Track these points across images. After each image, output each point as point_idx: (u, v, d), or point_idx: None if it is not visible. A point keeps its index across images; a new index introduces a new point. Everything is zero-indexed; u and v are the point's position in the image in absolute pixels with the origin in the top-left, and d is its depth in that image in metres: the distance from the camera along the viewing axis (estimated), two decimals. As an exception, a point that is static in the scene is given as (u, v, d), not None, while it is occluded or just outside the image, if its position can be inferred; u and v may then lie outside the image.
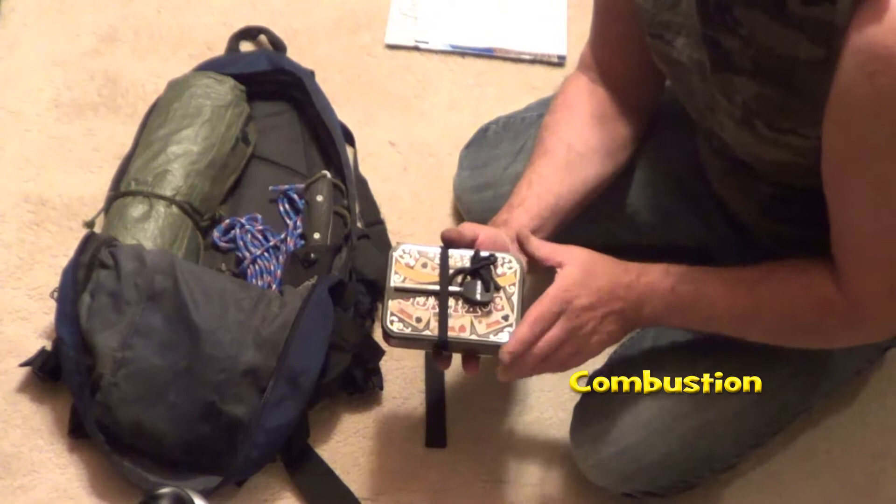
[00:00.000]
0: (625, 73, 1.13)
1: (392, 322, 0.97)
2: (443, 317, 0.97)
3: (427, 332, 0.97)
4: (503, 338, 0.96)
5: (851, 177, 0.84)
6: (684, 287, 0.98)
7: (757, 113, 0.89)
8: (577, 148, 1.10)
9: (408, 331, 0.97)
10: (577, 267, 0.98)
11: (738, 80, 0.88)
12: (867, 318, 0.93)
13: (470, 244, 1.00)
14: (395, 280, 0.98)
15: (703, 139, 1.10)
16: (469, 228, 1.01)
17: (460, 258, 1.00)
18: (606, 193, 1.17)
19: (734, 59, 0.87)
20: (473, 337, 0.97)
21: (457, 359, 1.03)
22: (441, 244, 1.02)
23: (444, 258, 1.00)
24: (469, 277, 0.98)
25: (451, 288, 0.98)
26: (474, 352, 1.01)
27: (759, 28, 0.83)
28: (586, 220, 1.14)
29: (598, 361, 1.18)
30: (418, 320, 0.97)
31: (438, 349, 1.00)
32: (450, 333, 0.97)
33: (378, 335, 1.27)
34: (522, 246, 1.01)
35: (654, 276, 0.99)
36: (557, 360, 0.97)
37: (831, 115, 0.81)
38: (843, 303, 0.92)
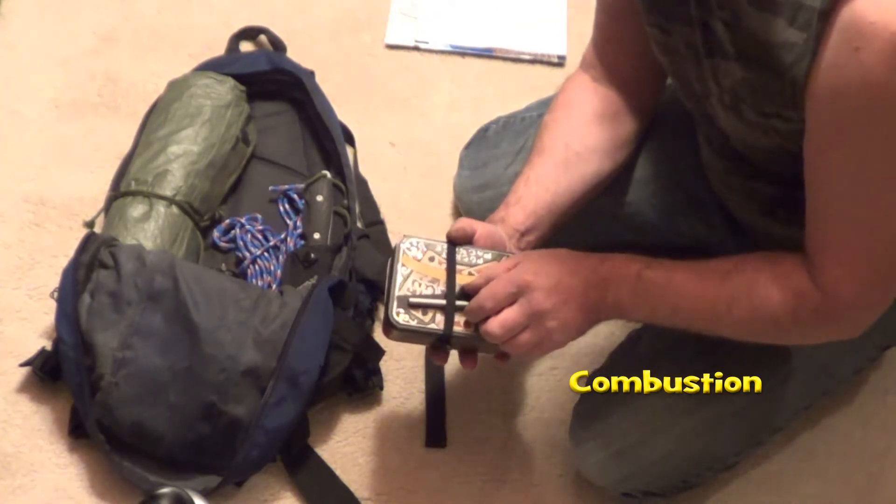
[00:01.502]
0: (627, 70, 1.13)
1: (398, 313, 0.97)
2: (449, 312, 0.97)
3: (433, 326, 0.97)
4: None
5: (830, 160, 0.83)
6: (651, 273, 0.97)
7: (743, 98, 0.89)
8: (574, 146, 1.10)
9: (413, 323, 0.97)
10: (536, 255, 1.00)
11: (725, 65, 0.89)
12: (840, 311, 0.91)
13: (470, 241, 1.01)
14: (401, 272, 0.98)
15: (703, 138, 1.10)
16: (467, 224, 1.02)
17: (467, 254, 1.00)
18: (607, 192, 1.17)
19: (722, 43, 0.88)
20: (476, 333, 0.98)
21: (454, 356, 1.03)
22: (446, 241, 1.02)
23: (451, 254, 1.00)
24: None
25: (462, 303, 0.98)
26: (474, 348, 1.01)
27: (738, 12, 0.84)
28: (586, 219, 1.14)
29: (598, 361, 1.18)
30: (424, 313, 0.98)
31: (440, 343, 1.00)
32: (454, 328, 0.97)
33: (378, 335, 1.27)
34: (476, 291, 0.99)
35: (618, 262, 0.99)
36: (517, 346, 0.96)
37: (814, 95, 0.80)
38: (816, 295, 0.90)
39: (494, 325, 0.95)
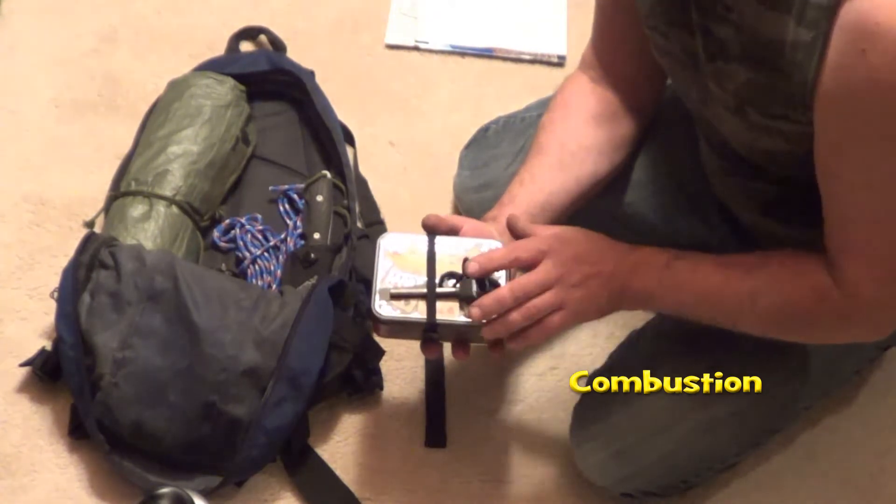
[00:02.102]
0: (626, 70, 1.13)
1: (381, 306, 0.97)
2: (431, 299, 0.97)
3: (416, 315, 0.97)
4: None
5: (843, 161, 0.83)
6: (679, 263, 0.97)
7: (749, 100, 0.89)
8: (570, 147, 1.10)
9: (397, 314, 0.97)
10: (572, 228, 0.99)
11: (730, 68, 0.89)
12: (861, 311, 0.91)
13: (450, 232, 1.01)
14: (383, 266, 0.99)
15: (703, 139, 1.10)
16: (452, 219, 1.02)
17: (447, 244, 1.00)
18: (607, 193, 1.17)
19: (726, 46, 0.88)
20: (461, 318, 0.96)
21: (449, 352, 1.03)
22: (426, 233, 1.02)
23: (431, 244, 1.00)
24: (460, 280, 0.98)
25: (444, 290, 0.97)
26: (464, 337, 1.00)
27: (748, 13, 0.84)
28: (586, 220, 1.14)
29: (598, 361, 1.18)
30: (407, 304, 0.97)
31: (428, 333, 0.99)
32: (438, 315, 0.97)
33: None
34: (512, 230, 1.00)
35: (648, 250, 0.99)
36: (538, 308, 0.93)
37: (822, 95, 0.80)
38: (837, 293, 0.90)
39: (522, 281, 0.94)
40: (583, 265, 0.95)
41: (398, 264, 0.99)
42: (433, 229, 1.01)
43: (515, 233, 1.00)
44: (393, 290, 0.97)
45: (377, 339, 1.25)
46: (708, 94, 0.95)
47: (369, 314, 0.98)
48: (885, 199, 0.83)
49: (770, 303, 0.94)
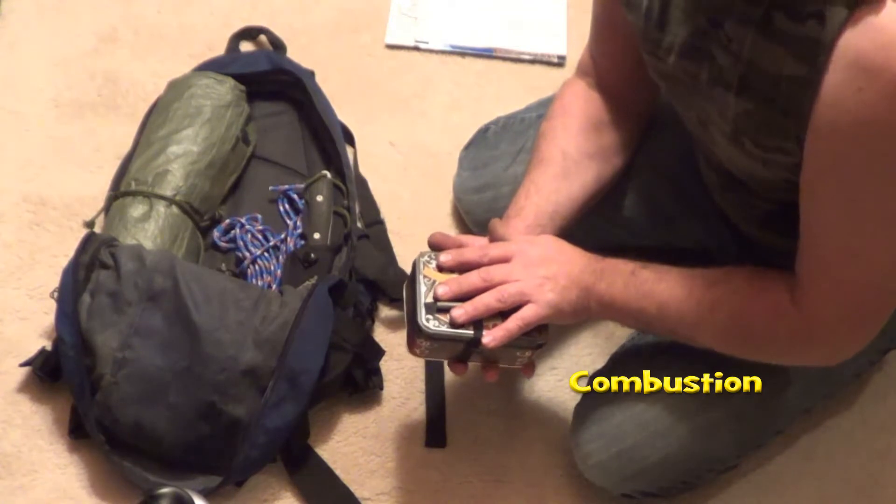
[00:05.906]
0: (621, 81, 1.13)
1: (427, 320, 0.97)
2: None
3: (462, 330, 0.97)
4: (538, 339, 1.00)
5: (827, 189, 0.84)
6: (645, 272, 1.00)
7: (744, 130, 0.89)
8: (572, 155, 1.11)
9: (443, 328, 0.96)
10: (545, 236, 1.05)
11: (727, 97, 0.89)
12: (817, 336, 0.92)
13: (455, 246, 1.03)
14: (424, 283, 0.99)
15: (701, 157, 1.10)
16: (459, 239, 1.04)
17: None
18: (606, 197, 1.17)
19: (725, 75, 0.88)
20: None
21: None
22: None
23: None
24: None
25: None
26: (496, 359, 1.01)
27: (747, 44, 0.84)
28: (586, 224, 1.14)
29: (599, 361, 1.19)
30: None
31: (469, 349, 0.99)
32: (483, 331, 0.97)
33: (378, 335, 1.27)
34: (493, 236, 1.05)
35: (615, 259, 1.02)
36: (510, 293, 0.97)
37: (815, 128, 0.81)
38: (795, 314, 0.91)
39: (484, 270, 0.98)
40: (550, 263, 1.00)
41: (439, 281, 0.99)
42: (439, 247, 1.02)
43: (495, 239, 1.04)
44: (440, 304, 0.97)
45: (377, 338, 1.25)
46: (708, 118, 0.95)
47: (413, 331, 0.98)
48: (862, 230, 0.84)
49: (729, 315, 0.96)
